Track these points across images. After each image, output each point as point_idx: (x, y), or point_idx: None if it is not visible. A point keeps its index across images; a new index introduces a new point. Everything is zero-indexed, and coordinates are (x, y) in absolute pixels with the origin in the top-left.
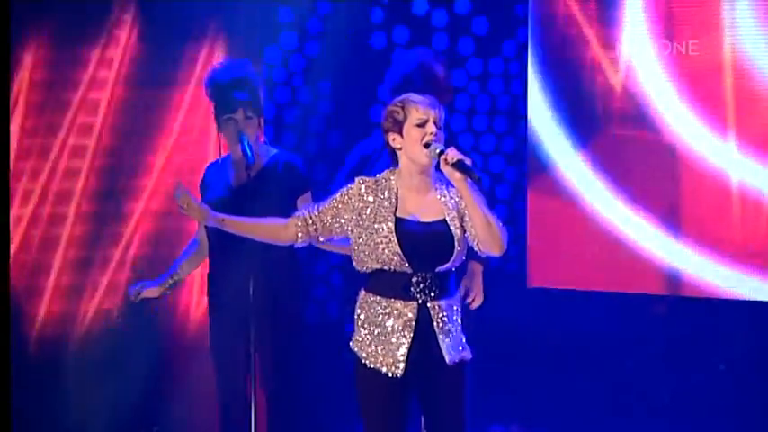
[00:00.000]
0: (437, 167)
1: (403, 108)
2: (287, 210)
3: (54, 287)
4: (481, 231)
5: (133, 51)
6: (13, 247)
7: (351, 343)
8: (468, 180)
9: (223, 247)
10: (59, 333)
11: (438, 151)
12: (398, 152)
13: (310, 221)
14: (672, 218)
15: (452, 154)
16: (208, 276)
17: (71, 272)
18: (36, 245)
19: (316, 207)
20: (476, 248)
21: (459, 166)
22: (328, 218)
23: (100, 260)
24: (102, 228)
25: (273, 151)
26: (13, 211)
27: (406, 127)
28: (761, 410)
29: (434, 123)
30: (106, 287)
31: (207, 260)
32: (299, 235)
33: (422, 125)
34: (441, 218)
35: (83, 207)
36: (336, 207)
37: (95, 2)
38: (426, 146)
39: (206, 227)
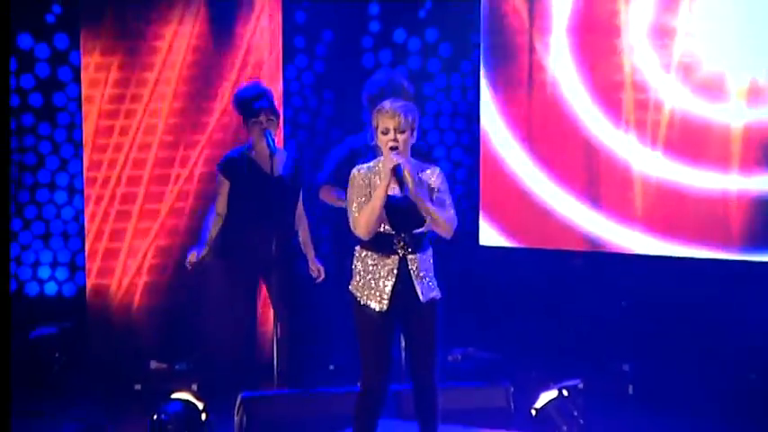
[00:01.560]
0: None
1: (376, 116)
2: (295, 187)
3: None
4: (432, 224)
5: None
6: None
7: (349, 287)
8: (421, 191)
9: (247, 217)
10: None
11: (393, 166)
12: None
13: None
14: (587, 191)
15: (391, 165)
16: (224, 239)
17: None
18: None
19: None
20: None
21: (396, 176)
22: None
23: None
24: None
25: (285, 153)
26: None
27: (378, 132)
28: (650, 332)
29: (395, 130)
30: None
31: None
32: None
33: (385, 133)
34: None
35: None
36: (352, 195)
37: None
38: (392, 149)
39: (228, 201)
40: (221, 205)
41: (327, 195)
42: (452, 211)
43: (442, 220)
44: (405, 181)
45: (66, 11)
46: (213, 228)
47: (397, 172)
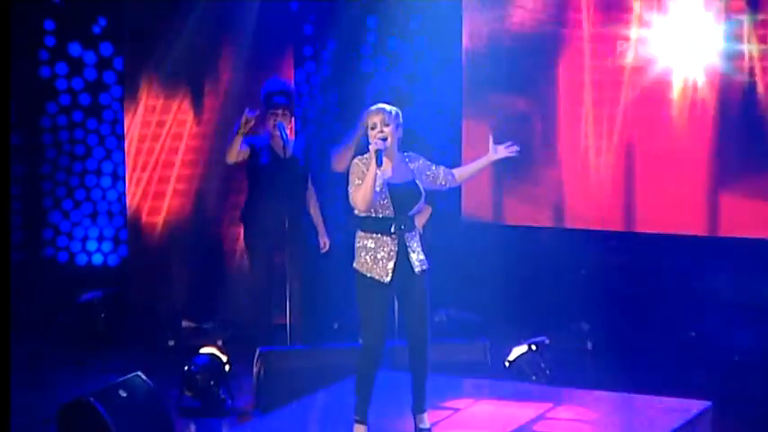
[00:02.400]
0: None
1: (366, 117)
2: (305, 172)
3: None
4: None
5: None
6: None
7: (354, 264)
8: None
9: (264, 196)
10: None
11: (376, 149)
12: None
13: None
14: (550, 175)
15: (374, 148)
16: (245, 215)
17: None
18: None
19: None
20: (440, 184)
21: (377, 156)
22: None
23: None
24: None
25: (292, 141)
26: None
27: (368, 129)
28: (606, 297)
29: (381, 123)
30: None
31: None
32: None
33: (373, 128)
34: (411, 178)
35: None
36: (353, 177)
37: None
38: (382, 139)
39: (248, 181)
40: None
41: (338, 157)
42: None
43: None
44: (381, 161)
45: (110, 22)
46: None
47: (378, 154)
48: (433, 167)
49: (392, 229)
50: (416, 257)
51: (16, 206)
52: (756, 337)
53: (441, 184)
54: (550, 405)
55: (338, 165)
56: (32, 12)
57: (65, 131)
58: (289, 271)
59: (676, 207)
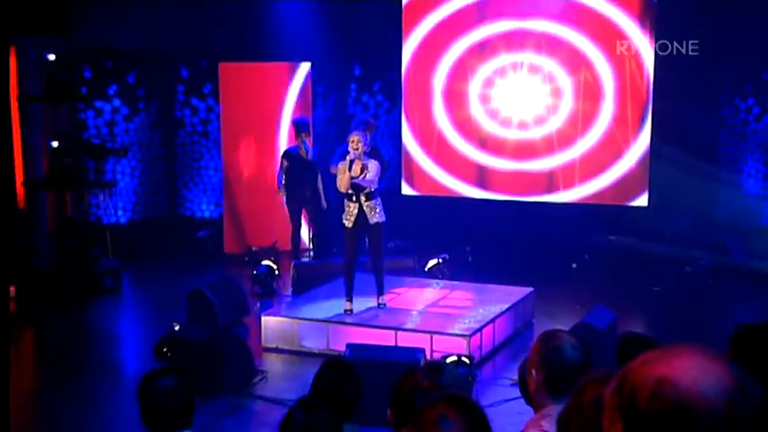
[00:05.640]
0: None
1: (349, 138)
2: (317, 168)
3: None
4: (366, 185)
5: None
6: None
7: (342, 217)
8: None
9: (294, 178)
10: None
11: (350, 159)
12: None
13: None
14: (457, 171)
15: (350, 158)
16: (287, 188)
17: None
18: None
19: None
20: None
21: (350, 164)
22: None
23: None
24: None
25: (313, 149)
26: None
27: (349, 144)
28: (483, 231)
29: (357, 141)
30: None
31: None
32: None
33: (353, 142)
34: (361, 176)
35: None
36: (337, 171)
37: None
38: (355, 150)
39: (286, 173)
40: (281, 175)
41: (333, 169)
42: (373, 179)
43: (364, 185)
44: (354, 167)
45: (213, 86)
46: (282, 178)
47: (350, 162)
48: (380, 167)
49: (354, 200)
50: (369, 214)
51: (164, 187)
52: (563, 252)
53: (383, 172)
54: (449, 291)
55: (332, 170)
56: (169, 80)
57: (189, 146)
58: (309, 220)
59: (524, 181)
